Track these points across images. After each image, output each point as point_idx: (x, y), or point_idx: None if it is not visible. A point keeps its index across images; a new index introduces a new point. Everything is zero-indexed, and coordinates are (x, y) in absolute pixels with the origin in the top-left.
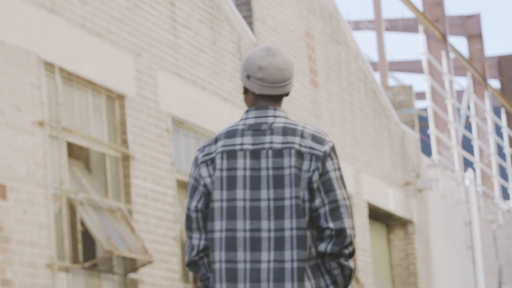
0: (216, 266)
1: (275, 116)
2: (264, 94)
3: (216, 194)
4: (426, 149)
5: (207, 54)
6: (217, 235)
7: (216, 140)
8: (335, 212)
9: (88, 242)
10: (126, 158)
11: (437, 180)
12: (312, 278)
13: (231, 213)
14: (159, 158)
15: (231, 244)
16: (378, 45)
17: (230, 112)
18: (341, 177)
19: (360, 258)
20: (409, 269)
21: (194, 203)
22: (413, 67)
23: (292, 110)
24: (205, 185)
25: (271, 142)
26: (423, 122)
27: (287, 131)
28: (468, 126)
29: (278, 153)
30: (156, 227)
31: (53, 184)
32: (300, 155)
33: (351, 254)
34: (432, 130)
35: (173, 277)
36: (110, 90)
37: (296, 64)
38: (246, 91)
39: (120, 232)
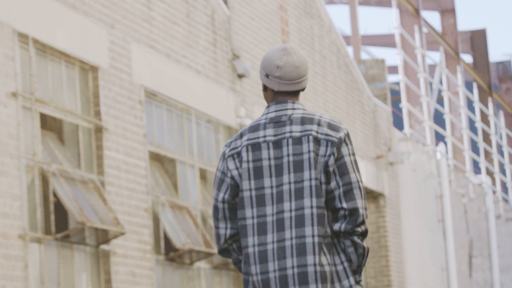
0: (250, 250)
1: (293, 109)
2: (282, 91)
3: (245, 184)
4: (398, 123)
5: (181, 27)
6: (249, 221)
7: (241, 135)
8: (348, 193)
9: (61, 213)
10: (99, 130)
11: (409, 153)
12: (328, 254)
13: (260, 201)
14: (132, 130)
15: (262, 229)
16: (351, 19)
17: (203, 84)
18: (355, 161)
19: None
20: (380, 242)
21: (221, 195)
22: (385, 41)
23: None
24: (232, 177)
25: (291, 131)
26: (395, 96)
27: (305, 120)
28: (440, 100)
29: (298, 141)
30: (128, 199)
31: (26, 155)
32: (317, 141)
33: (364, 233)
34: (404, 104)
35: (144, 248)
36: (83, 61)
37: (269, 37)
38: (265, 88)
39: (93, 203)
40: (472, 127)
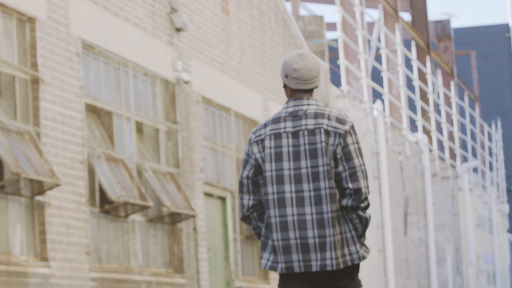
0: (272, 220)
1: (308, 105)
2: (299, 89)
3: (267, 166)
4: (335, 80)
5: None
6: (270, 196)
7: (265, 126)
8: (353, 175)
9: None
10: (35, 81)
11: (346, 110)
12: (339, 225)
13: (279, 180)
14: (69, 82)
15: (281, 203)
16: None
17: (141, 38)
18: (359, 148)
19: None
20: None
21: (246, 173)
22: None
23: (202, 37)
24: (255, 159)
25: (306, 124)
26: (333, 53)
27: (317, 115)
28: (378, 58)
29: (312, 132)
30: (64, 151)
31: None
32: (327, 133)
33: (366, 207)
34: (342, 61)
35: (79, 200)
36: (21, 12)
37: None
38: (285, 85)
39: (28, 154)
40: (410, 85)
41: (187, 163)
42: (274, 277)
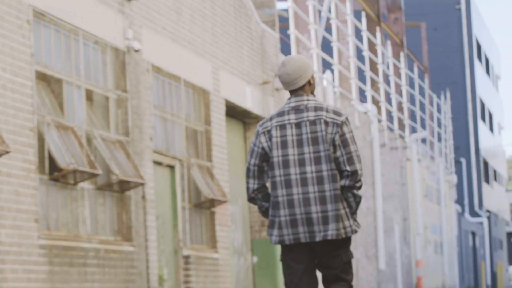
0: (280, 199)
1: (308, 100)
2: (288, 90)
3: (274, 153)
4: (285, 49)
5: None
6: (277, 179)
7: (271, 119)
8: (349, 160)
9: None
10: None
11: None
12: (337, 202)
13: (285, 164)
14: (19, 49)
15: (288, 183)
16: None
17: (91, 6)
18: (353, 137)
19: (216, 154)
20: None
21: (253, 160)
22: None
23: (153, 6)
24: (262, 148)
25: (307, 116)
26: (284, 23)
27: (317, 108)
28: (328, 28)
29: (313, 123)
30: (14, 118)
31: None
32: (326, 123)
33: (360, 187)
34: (292, 31)
35: (29, 168)
36: None
37: None
38: None
39: None
40: (360, 56)
41: (137, 131)
42: (222, 246)
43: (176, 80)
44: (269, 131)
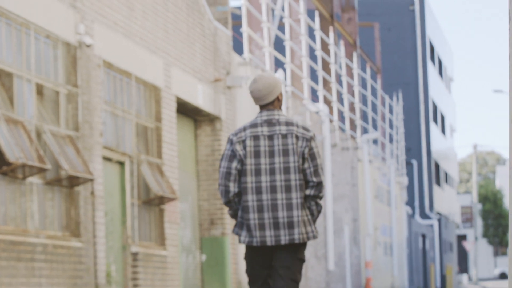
0: (250, 203)
1: (279, 115)
2: (259, 104)
3: (248, 161)
4: (238, 48)
5: None
6: (249, 185)
7: (244, 129)
8: (316, 172)
9: None
10: None
11: (247, 78)
12: (302, 209)
13: (258, 172)
14: None
15: (259, 190)
16: None
17: (43, 0)
18: (318, 152)
19: (166, 152)
20: (214, 165)
21: (234, 165)
22: None
23: (105, 1)
24: (239, 155)
25: (280, 130)
26: (237, 21)
27: (288, 123)
28: (281, 27)
29: (285, 136)
30: None
31: None
32: (297, 137)
33: (322, 197)
34: (245, 29)
35: None
36: None
37: None
38: None
39: None
40: (312, 55)
41: (87, 126)
42: (171, 243)
43: (127, 76)
44: (243, 141)
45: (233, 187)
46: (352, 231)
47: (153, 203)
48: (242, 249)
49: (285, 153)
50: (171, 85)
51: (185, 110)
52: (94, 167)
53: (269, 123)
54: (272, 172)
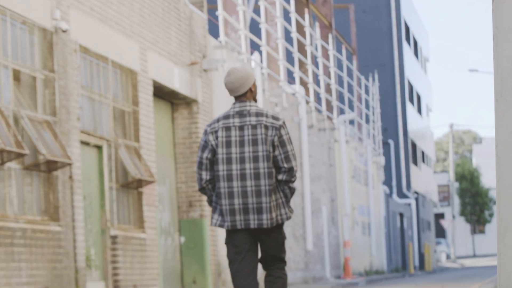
0: (222, 190)
1: (250, 106)
2: (234, 96)
3: (220, 151)
4: (213, 31)
5: None
6: (221, 173)
7: (218, 120)
8: (286, 158)
9: None
10: None
11: (223, 61)
12: (273, 194)
13: (229, 161)
14: None
15: (229, 177)
16: None
17: None
18: (289, 138)
19: (144, 135)
20: (192, 148)
21: (205, 155)
22: None
23: None
24: (211, 145)
25: (250, 121)
26: (212, 4)
27: (258, 114)
28: (257, 10)
29: (254, 127)
30: None
31: None
32: (266, 127)
33: (294, 181)
34: (220, 12)
35: None
36: None
37: None
38: None
39: None
40: (288, 38)
41: (64, 111)
42: (150, 226)
43: (103, 61)
44: (216, 131)
45: (205, 175)
46: (330, 212)
47: (131, 186)
48: (221, 231)
49: (255, 142)
50: (148, 69)
51: (162, 93)
52: (72, 151)
53: (241, 114)
54: (242, 160)
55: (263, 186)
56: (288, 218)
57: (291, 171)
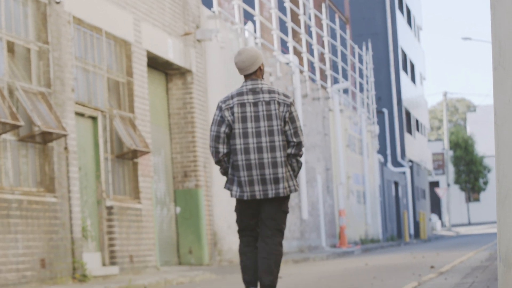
0: (239, 162)
1: (262, 84)
2: (244, 74)
3: (236, 126)
4: (207, 1)
5: None
6: (238, 146)
7: (232, 97)
8: (295, 133)
9: None
10: None
11: (217, 31)
12: (285, 167)
13: (245, 135)
14: None
15: (247, 151)
16: None
17: None
18: (297, 115)
19: (138, 106)
20: (186, 118)
21: (222, 129)
22: None
23: None
24: (228, 121)
25: (263, 97)
26: None
27: (270, 91)
28: None
29: (268, 103)
30: None
31: None
32: (278, 103)
33: (302, 155)
34: None
35: None
36: None
37: None
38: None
39: None
40: (281, 7)
41: (58, 82)
42: (145, 196)
43: (97, 32)
44: (231, 108)
45: (222, 149)
46: (325, 181)
47: (127, 157)
48: (216, 200)
49: (269, 117)
50: (142, 39)
51: (156, 64)
52: (67, 122)
53: (254, 91)
54: (258, 134)
55: (278, 157)
56: (295, 190)
57: (299, 145)
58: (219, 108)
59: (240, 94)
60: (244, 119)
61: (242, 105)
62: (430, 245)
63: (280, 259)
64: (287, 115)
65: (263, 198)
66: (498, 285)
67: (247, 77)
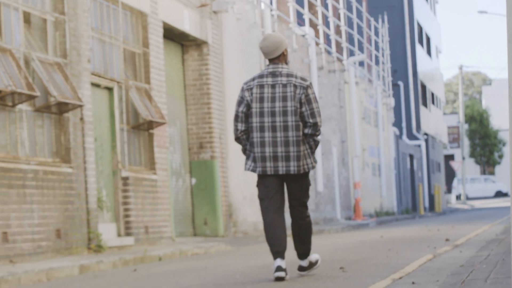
0: (255, 139)
1: (282, 68)
2: (268, 59)
3: (254, 105)
4: None
5: None
6: (254, 124)
7: (253, 79)
8: (312, 114)
9: None
10: None
11: (233, 2)
12: (301, 145)
13: (261, 114)
14: None
15: (262, 129)
16: None
17: None
18: (315, 97)
19: (154, 77)
20: (202, 89)
21: (241, 109)
22: None
23: None
24: (247, 101)
25: (281, 80)
26: None
27: (288, 75)
28: None
29: (284, 85)
30: None
31: None
32: (295, 86)
33: (319, 135)
34: None
35: None
36: None
37: None
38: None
39: None
40: None
41: (75, 53)
42: (161, 167)
43: (113, 3)
44: (251, 89)
45: (240, 126)
46: (340, 153)
47: (142, 128)
48: (231, 172)
49: (284, 99)
50: (158, 10)
51: (172, 35)
52: (83, 93)
53: (273, 74)
54: (273, 114)
55: (290, 137)
56: (313, 167)
57: (315, 126)
58: (242, 89)
59: (260, 76)
60: (261, 100)
61: (261, 86)
62: (445, 218)
63: (309, 228)
64: (303, 97)
65: (285, 174)
66: None
67: (271, 61)
